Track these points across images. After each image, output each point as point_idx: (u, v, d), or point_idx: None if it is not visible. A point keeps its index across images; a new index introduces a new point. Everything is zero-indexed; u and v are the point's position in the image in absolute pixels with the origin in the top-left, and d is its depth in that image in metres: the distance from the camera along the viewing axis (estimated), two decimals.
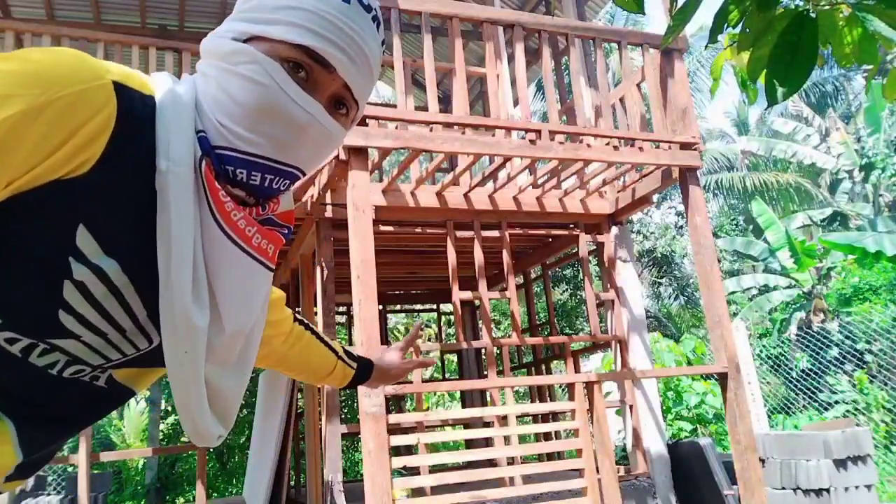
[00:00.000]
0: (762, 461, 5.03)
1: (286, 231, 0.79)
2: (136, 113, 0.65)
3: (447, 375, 11.20)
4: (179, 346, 0.67)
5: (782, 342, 9.31)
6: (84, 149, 0.61)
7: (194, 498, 5.43)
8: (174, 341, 0.67)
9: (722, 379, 4.11)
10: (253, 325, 0.78)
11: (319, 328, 4.37)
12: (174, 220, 0.64)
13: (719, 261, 10.66)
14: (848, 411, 7.42)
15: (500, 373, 5.82)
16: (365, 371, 1.28)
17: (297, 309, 5.09)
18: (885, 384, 7.57)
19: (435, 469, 4.49)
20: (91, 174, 0.61)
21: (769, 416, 7.77)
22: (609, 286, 5.17)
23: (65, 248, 0.62)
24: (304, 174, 0.75)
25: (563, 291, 13.78)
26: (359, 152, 3.61)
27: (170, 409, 10.66)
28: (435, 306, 8.10)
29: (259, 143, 0.68)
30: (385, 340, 7.16)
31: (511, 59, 5.83)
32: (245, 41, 0.70)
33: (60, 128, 0.59)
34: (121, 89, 0.64)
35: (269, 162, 0.70)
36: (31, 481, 5.42)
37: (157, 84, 0.70)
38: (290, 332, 1.14)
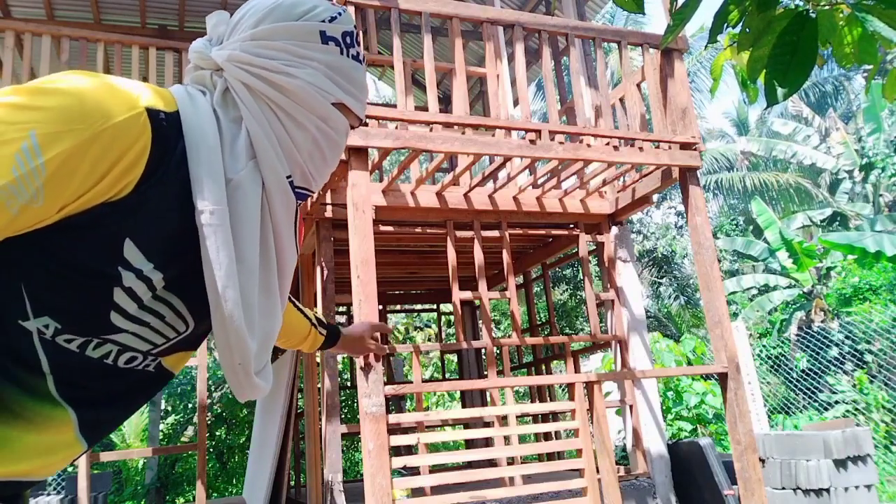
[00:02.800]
0: (762, 461, 5.03)
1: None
2: (167, 135, 0.73)
3: (447, 375, 11.20)
4: (234, 358, 0.80)
5: (782, 342, 9.31)
6: (126, 174, 0.69)
7: (194, 498, 5.42)
8: (229, 355, 0.80)
9: (722, 379, 4.11)
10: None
11: None
12: (218, 259, 0.76)
13: (719, 261, 10.65)
14: (848, 411, 7.42)
15: (500, 373, 5.82)
16: (333, 337, 1.47)
17: None
18: (886, 384, 7.57)
19: (435, 469, 4.49)
20: (133, 195, 0.70)
21: (769, 416, 7.77)
22: (609, 286, 5.17)
23: (114, 260, 0.70)
24: None
25: (563, 291, 13.77)
26: (359, 152, 3.60)
27: (169, 409, 10.67)
28: (435, 306, 8.10)
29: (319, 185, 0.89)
30: (385, 340, 7.15)
31: (511, 59, 5.83)
32: (333, 104, 0.85)
33: (106, 157, 0.67)
34: (153, 115, 0.72)
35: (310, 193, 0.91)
36: None
37: (182, 102, 0.78)
38: None
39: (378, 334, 1.60)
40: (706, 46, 1.60)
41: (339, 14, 0.85)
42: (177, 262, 0.75)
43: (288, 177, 0.82)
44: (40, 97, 0.64)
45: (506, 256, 4.85)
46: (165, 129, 0.73)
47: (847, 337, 8.37)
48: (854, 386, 7.70)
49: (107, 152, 0.66)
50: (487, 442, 5.79)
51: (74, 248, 0.68)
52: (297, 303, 1.34)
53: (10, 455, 0.72)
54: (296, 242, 0.89)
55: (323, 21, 0.84)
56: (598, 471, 3.72)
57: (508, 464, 4.70)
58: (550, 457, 5.44)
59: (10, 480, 0.74)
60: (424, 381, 10.98)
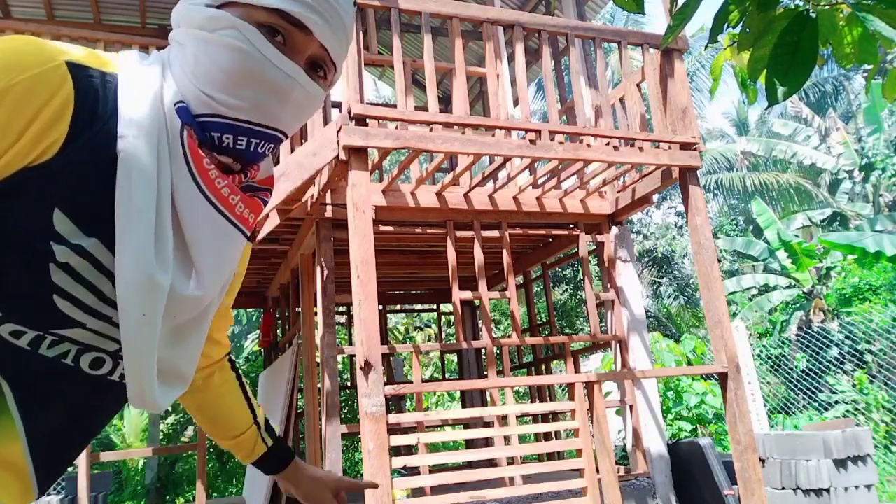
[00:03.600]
0: (762, 461, 5.03)
1: (267, 197, 0.81)
2: (96, 91, 0.65)
3: (447, 375, 11.20)
4: (136, 308, 0.65)
5: (782, 342, 9.31)
6: (47, 132, 0.61)
7: (194, 498, 5.42)
8: (131, 303, 0.65)
9: (722, 379, 4.11)
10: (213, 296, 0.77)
11: (319, 328, 4.38)
12: (135, 181, 0.64)
13: (719, 261, 10.65)
14: (848, 411, 7.42)
15: (500, 373, 5.82)
16: (279, 456, 1.11)
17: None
18: (886, 384, 7.57)
19: (435, 469, 4.49)
20: (59, 157, 0.62)
21: (769, 416, 7.77)
22: (609, 286, 5.17)
23: (44, 233, 0.62)
24: (287, 136, 0.76)
25: (563, 291, 13.78)
26: (359, 152, 3.60)
27: (170, 409, 10.66)
28: (435, 306, 8.10)
29: (243, 108, 0.69)
30: (385, 340, 7.16)
31: (511, 59, 5.83)
32: (218, 7, 0.70)
33: (20, 114, 0.60)
34: (76, 69, 0.64)
35: (253, 126, 0.71)
36: None
37: (122, 62, 0.71)
38: (220, 363, 1.06)
39: (344, 494, 1.15)
40: (706, 46, 1.60)
41: None
42: (111, 223, 0.65)
43: (179, 103, 0.69)
44: None
45: (506, 256, 4.85)
46: (95, 84, 0.65)
47: (847, 337, 8.37)
48: (854, 386, 7.70)
49: (20, 108, 0.60)
50: (487, 442, 5.79)
51: (3, 222, 0.62)
52: (244, 380, 1.10)
53: None
54: (201, 190, 0.70)
55: None
56: (598, 471, 3.72)
57: (508, 464, 4.71)
58: (550, 457, 5.44)
59: None
60: (424, 381, 10.98)
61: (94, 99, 0.65)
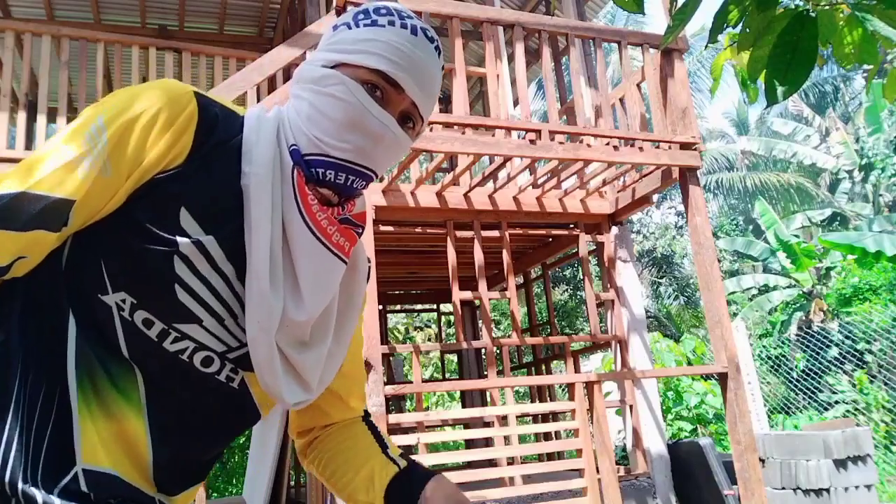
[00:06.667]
0: (762, 461, 5.03)
1: (360, 230, 0.92)
2: (215, 116, 0.81)
3: (447, 375, 11.20)
4: (255, 315, 0.79)
5: (782, 342, 9.31)
6: (174, 144, 0.77)
7: (195, 498, 5.42)
8: (251, 312, 0.79)
9: (722, 379, 4.11)
10: (330, 306, 0.89)
11: None
12: (254, 214, 0.79)
13: (719, 261, 10.65)
14: (848, 411, 7.43)
15: (500, 373, 5.82)
16: (412, 478, 0.93)
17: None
18: (886, 384, 7.57)
19: (435, 469, 4.49)
20: (186, 165, 0.78)
21: (769, 416, 7.77)
22: (609, 286, 5.17)
23: (173, 230, 0.77)
24: (377, 176, 0.88)
25: (563, 291, 13.78)
26: None
27: None
28: (435, 306, 8.10)
29: (345, 149, 0.83)
30: (385, 340, 7.16)
31: (511, 59, 5.83)
32: (332, 67, 0.84)
33: (154, 129, 0.76)
34: (201, 97, 0.80)
35: (351, 164, 0.84)
36: None
37: (248, 112, 0.86)
38: (344, 423, 1.03)
39: None
40: (706, 46, 1.60)
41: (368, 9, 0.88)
42: (234, 242, 0.80)
43: (293, 146, 0.84)
44: (108, 98, 0.78)
45: (506, 256, 4.85)
46: (215, 111, 0.81)
47: (847, 337, 8.37)
48: (854, 386, 7.70)
49: (155, 123, 0.76)
50: (487, 442, 5.79)
51: (139, 220, 0.76)
52: (380, 433, 1.02)
53: (102, 448, 0.77)
54: (305, 221, 0.83)
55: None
56: (598, 471, 3.72)
57: (508, 464, 4.70)
58: (550, 457, 5.43)
59: (122, 479, 0.78)
60: (424, 381, 10.97)
61: (213, 121, 0.80)
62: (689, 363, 7.41)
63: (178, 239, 0.77)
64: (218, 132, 0.81)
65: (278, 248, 0.81)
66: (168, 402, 0.82)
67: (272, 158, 0.82)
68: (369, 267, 1.01)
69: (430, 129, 3.83)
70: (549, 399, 6.20)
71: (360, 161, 0.84)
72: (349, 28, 0.86)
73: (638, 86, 4.65)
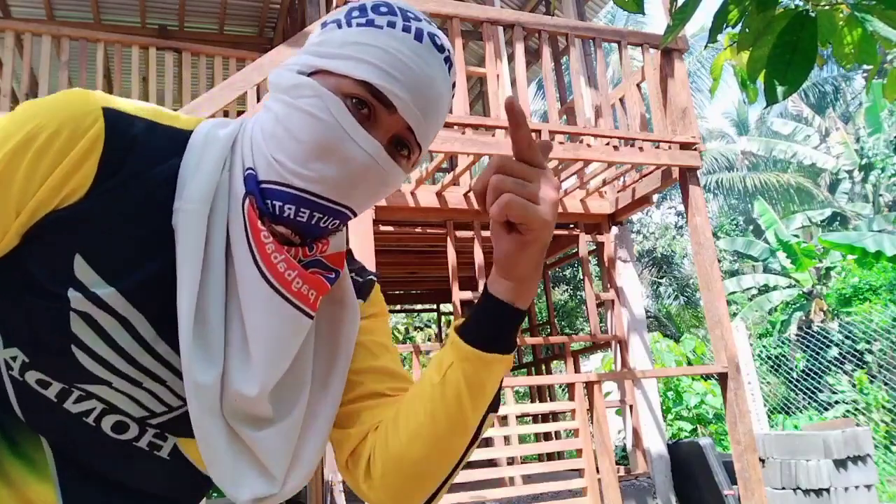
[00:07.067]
0: (762, 461, 5.03)
1: (333, 275, 0.72)
2: (135, 137, 0.65)
3: None
4: (191, 401, 0.63)
5: (782, 342, 9.31)
6: (72, 174, 0.62)
7: None
8: (188, 395, 0.63)
9: (722, 379, 4.11)
10: (302, 375, 0.71)
11: None
12: (178, 260, 0.63)
13: (719, 261, 10.65)
14: (848, 411, 7.42)
15: None
16: (488, 307, 0.68)
17: None
18: (886, 384, 7.57)
19: None
20: (85, 201, 0.62)
21: (769, 416, 7.77)
22: (609, 286, 5.17)
23: (64, 280, 0.61)
24: (356, 214, 0.69)
25: (563, 291, 13.79)
26: None
27: None
28: (435, 306, 8.10)
29: (313, 180, 0.64)
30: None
31: (511, 59, 5.83)
32: (310, 74, 0.67)
33: (46, 155, 0.61)
34: (113, 115, 0.64)
35: (320, 200, 0.65)
36: None
37: (198, 127, 0.69)
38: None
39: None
40: (706, 46, 1.60)
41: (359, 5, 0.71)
42: (145, 290, 0.64)
43: (249, 169, 0.66)
44: (7, 117, 0.63)
45: None
46: (133, 132, 0.65)
47: (847, 337, 8.37)
48: (854, 386, 7.70)
49: (47, 149, 0.61)
50: (487, 442, 5.79)
51: (29, 267, 0.62)
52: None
53: None
54: (257, 264, 0.65)
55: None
56: (598, 471, 3.72)
57: (508, 464, 4.70)
58: (550, 457, 5.44)
59: None
60: None
61: (129, 143, 0.64)
62: (689, 363, 7.41)
63: (70, 293, 0.61)
64: (135, 157, 0.64)
65: (215, 302, 0.65)
66: (84, 468, 0.68)
67: (211, 189, 0.65)
68: (373, 282, 0.82)
69: None
70: (549, 399, 6.20)
71: (330, 196, 0.65)
72: (339, 27, 0.68)
73: (638, 86, 4.65)
